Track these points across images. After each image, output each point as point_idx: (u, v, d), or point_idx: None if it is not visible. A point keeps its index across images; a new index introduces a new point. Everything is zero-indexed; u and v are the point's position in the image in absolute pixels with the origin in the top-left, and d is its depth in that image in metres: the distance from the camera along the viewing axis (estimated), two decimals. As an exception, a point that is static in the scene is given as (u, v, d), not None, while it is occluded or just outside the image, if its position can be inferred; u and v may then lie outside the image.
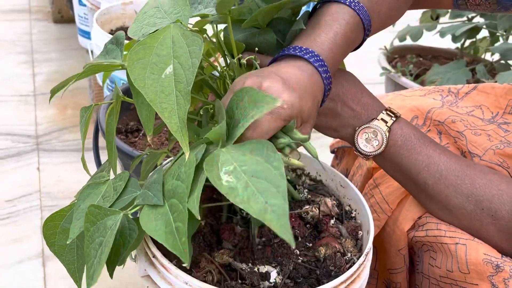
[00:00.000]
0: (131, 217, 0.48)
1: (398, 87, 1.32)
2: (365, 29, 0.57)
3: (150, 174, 0.63)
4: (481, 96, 0.76)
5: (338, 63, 0.56)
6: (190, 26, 0.52)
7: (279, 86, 0.47)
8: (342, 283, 0.52)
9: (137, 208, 0.48)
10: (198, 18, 0.55)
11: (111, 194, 0.48)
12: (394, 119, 0.60)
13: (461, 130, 0.68)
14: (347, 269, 0.53)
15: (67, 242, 0.46)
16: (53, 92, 0.52)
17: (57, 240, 0.51)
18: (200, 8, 0.56)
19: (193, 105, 0.67)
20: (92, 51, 1.28)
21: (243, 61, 0.55)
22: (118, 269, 0.49)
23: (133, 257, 0.56)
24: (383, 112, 0.60)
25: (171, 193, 0.44)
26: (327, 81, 0.53)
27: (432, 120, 0.73)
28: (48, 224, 0.52)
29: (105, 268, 0.46)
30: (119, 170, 0.68)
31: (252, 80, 0.48)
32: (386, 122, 0.59)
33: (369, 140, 0.60)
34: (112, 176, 0.54)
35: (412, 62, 1.48)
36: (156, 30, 0.49)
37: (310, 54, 0.52)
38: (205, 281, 0.50)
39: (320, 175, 0.73)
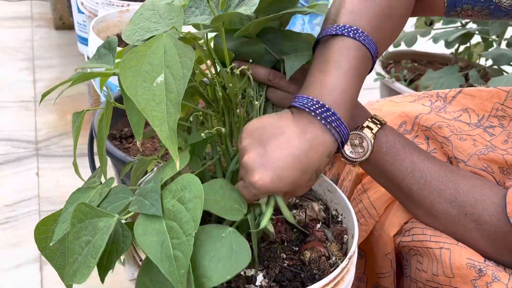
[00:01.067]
0: (124, 221, 0.49)
1: (393, 92, 1.34)
2: (373, 58, 0.56)
3: (143, 179, 0.65)
4: (466, 99, 0.77)
5: (353, 101, 0.55)
6: (184, 32, 0.53)
7: (255, 165, 0.50)
8: (325, 286, 0.53)
9: (131, 214, 0.49)
10: (191, 27, 0.56)
11: (96, 199, 0.49)
12: (379, 126, 0.61)
13: (447, 136, 0.70)
14: (331, 273, 0.55)
15: (50, 244, 0.47)
16: (44, 95, 0.53)
17: (49, 244, 0.52)
18: (197, 13, 0.57)
19: (184, 111, 0.69)
20: (88, 58, 1.30)
21: (237, 71, 0.56)
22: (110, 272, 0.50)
23: (122, 260, 0.57)
24: (369, 119, 0.61)
25: (171, 215, 0.45)
26: (341, 131, 0.52)
27: (420, 126, 0.74)
28: (40, 228, 0.53)
29: (95, 272, 0.48)
30: (113, 176, 0.69)
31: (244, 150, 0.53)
32: (371, 129, 0.61)
33: (355, 147, 0.61)
34: (103, 181, 0.56)
35: (406, 67, 1.49)
36: (150, 37, 0.50)
37: (320, 110, 0.51)
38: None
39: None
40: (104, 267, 0.49)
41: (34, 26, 2.28)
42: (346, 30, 0.54)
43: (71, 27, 2.17)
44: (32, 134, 1.54)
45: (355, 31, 0.54)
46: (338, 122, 0.51)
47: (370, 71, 0.60)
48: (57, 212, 0.54)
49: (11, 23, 2.29)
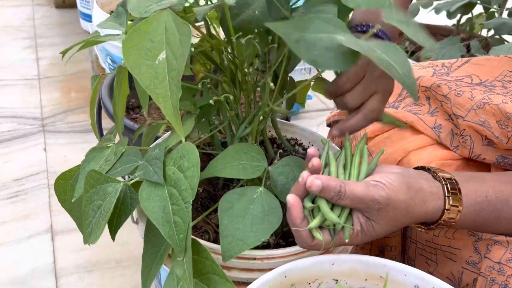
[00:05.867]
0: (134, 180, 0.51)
1: (394, 64, 1.34)
2: None
3: (152, 146, 0.67)
4: (473, 68, 0.76)
5: None
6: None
7: None
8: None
9: (137, 179, 0.51)
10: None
11: (111, 158, 0.51)
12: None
13: (445, 93, 0.70)
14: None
15: (72, 201, 0.50)
16: (64, 53, 0.56)
17: (68, 197, 0.55)
18: None
19: (196, 76, 0.69)
20: (93, 33, 1.30)
21: (242, 40, 0.57)
22: (123, 240, 0.53)
23: (135, 219, 0.60)
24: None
25: (172, 182, 0.47)
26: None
27: (420, 87, 0.75)
28: (59, 182, 0.56)
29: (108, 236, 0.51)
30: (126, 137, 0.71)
31: None
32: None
33: None
34: (117, 140, 0.58)
35: (408, 39, 1.49)
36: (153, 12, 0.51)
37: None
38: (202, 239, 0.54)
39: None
40: (114, 227, 0.52)
41: (35, 4, 2.27)
42: None
43: (71, 5, 2.17)
44: (38, 111, 1.56)
45: None
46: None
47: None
48: (74, 168, 0.57)
49: (11, 1, 2.28)
